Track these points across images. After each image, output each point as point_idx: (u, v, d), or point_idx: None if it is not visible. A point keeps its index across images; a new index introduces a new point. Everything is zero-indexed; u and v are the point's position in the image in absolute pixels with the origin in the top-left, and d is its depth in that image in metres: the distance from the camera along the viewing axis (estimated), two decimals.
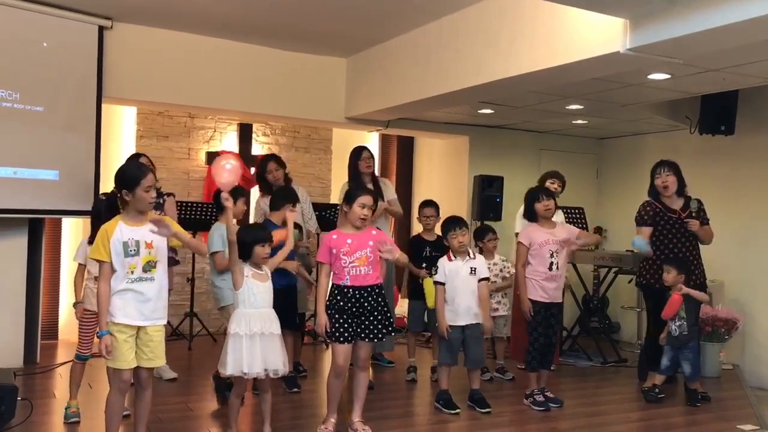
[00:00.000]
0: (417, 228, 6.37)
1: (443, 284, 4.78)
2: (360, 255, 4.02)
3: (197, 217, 6.68)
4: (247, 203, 5.16)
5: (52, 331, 6.73)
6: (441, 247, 5.44)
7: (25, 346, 5.75)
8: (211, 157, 7.60)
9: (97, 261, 3.39)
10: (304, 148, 8.18)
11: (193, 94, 6.48)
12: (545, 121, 7.42)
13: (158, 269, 3.46)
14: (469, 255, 4.86)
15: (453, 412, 4.70)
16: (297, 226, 5.51)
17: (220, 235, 4.66)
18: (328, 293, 4.10)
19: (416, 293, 5.74)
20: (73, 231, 6.84)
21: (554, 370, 5.63)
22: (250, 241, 3.89)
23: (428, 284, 5.00)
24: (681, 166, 5.43)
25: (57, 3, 5.62)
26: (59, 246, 6.72)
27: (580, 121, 7.36)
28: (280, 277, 4.23)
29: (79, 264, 4.32)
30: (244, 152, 7.74)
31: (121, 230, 3.39)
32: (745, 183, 6.69)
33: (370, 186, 5.63)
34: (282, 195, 4.97)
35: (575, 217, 7.19)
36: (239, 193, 4.82)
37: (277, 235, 4.17)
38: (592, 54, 4.33)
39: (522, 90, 5.58)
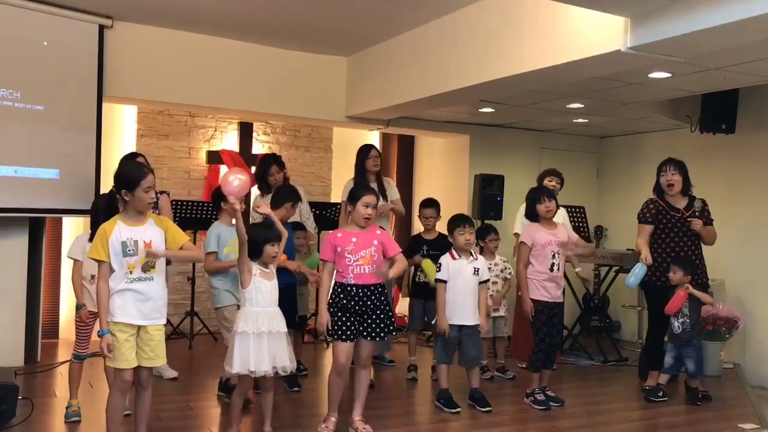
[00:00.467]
0: (417, 227, 6.37)
1: (445, 282, 4.77)
2: (364, 254, 4.02)
3: (197, 216, 6.69)
4: (246, 202, 5.15)
5: (52, 330, 6.73)
6: (440, 247, 5.45)
7: (25, 345, 5.76)
8: (212, 156, 7.60)
9: (96, 261, 3.39)
10: (305, 147, 8.18)
11: (193, 93, 6.48)
12: (546, 119, 7.42)
13: (157, 269, 3.46)
14: (472, 255, 4.86)
15: (453, 411, 4.70)
16: (300, 225, 5.53)
17: (217, 235, 4.66)
18: (330, 291, 4.10)
19: (417, 292, 5.75)
20: (73, 230, 6.83)
21: (555, 369, 5.63)
22: (261, 240, 3.89)
23: (426, 264, 5.07)
24: None
25: (57, 2, 5.62)
26: (60, 245, 6.72)
27: (580, 120, 7.35)
28: (280, 275, 4.21)
29: (75, 260, 4.25)
30: (245, 151, 7.74)
31: (119, 230, 3.39)
32: (745, 182, 6.68)
33: (374, 185, 5.66)
34: (284, 193, 4.97)
35: (576, 216, 7.20)
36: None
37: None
38: (592, 53, 4.32)
39: (523, 89, 5.57)
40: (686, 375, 5.29)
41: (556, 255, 4.90)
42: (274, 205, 4.80)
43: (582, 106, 6.52)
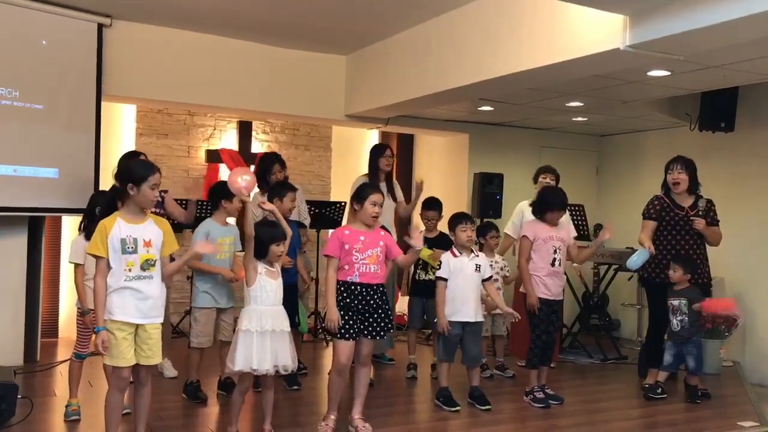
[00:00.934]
0: (418, 225, 6.37)
1: (445, 280, 4.77)
2: (371, 253, 4.02)
3: (197, 214, 6.64)
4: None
5: (52, 329, 6.73)
6: (441, 245, 5.45)
7: (25, 344, 5.76)
8: (211, 155, 7.60)
9: (94, 256, 3.39)
10: (304, 145, 8.18)
11: (192, 92, 6.48)
12: (545, 118, 7.42)
13: (157, 268, 3.46)
14: (473, 252, 4.86)
15: (453, 409, 4.70)
16: (302, 224, 5.53)
17: (206, 233, 4.62)
18: None
19: (416, 290, 5.76)
20: (73, 229, 6.82)
21: (554, 367, 5.64)
22: (266, 239, 3.89)
23: (424, 251, 5.18)
24: None
25: (57, 1, 5.62)
26: (59, 244, 6.72)
27: (580, 119, 7.35)
28: (283, 275, 4.19)
29: (76, 264, 4.26)
30: (244, 150, 7.74)
31: (119, 226, 3.39)
32: (745, 180, 6.68)
33: (384, 184, 5.78)
34: (279, 186, 4.97)
35: (576, 214, 7.20)
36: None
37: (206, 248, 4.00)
38: (591, 51, 4.32)
39: (522, 87, 5.57)
40: (686, 373, 5.29)
41: (558, 250, 4.91)
42: (271, 199, 4.79)
43: (581, 104, 6.52)
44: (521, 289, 5.12)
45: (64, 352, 6.08)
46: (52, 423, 4.25)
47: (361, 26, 6.09)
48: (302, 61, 6.88)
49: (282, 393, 4.92)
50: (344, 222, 6.41)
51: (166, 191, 5.52)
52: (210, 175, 7.58)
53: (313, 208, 6.69)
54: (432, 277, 5.53)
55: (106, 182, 5.38)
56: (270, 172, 5.60)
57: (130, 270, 3.38)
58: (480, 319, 4.80)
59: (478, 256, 4.88)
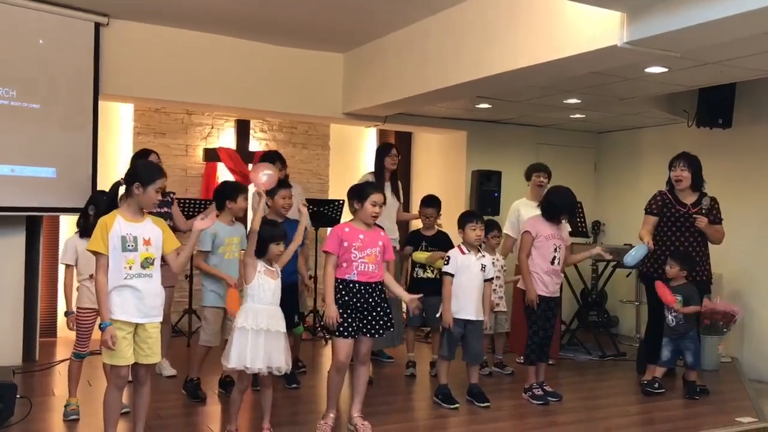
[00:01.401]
0: (415, 223, 6.37)
1: (452, 275, 4.77)
2: (370, 252, 4.02)
3: (196, 213, 6.66)
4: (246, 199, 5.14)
5: (50, 328, 6.73)
6: (438, 243, 5.46)
7: (23, 344, 5.75)
8: (209, 153, 7.60)
9: (95, 253, 3.38)
10: (302, 144, 8.17)
11: (189, 91, 6.47)
12: (543, 115, 7.42)
13: (156, 266, 3.46)
14: (480, 251, 4.87)
15: (452, 406, 4.71)
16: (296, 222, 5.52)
17: (213, 234, 4.63)
18: None
19: (415, 288, 5.75)
20: (71, 229, 6.78)
21: (553, 364, 5.64)
22: (266, 238, 3.89)
23: (417, 256, 5.38)
24: None
25: (54, 0, 5.61)
26: (57, 243, 6.71)
27: (577, 116, 7.36)
28: (282, 274, 4.19)
29: (67, 265, 4.26)
30: (242, 149, 7.73)
31: (119, 224, 3.39)
32: (743, 176, 6.69)
33: (389, 183, 5.88)
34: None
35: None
36: (239, 189, 4.81)
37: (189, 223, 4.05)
38: (589, 48, 4.32)
39: (519, 84, 5.57)
40: (684, 368, 5.30)
41: (558, 249, 4.92)
42: (269, 195, 4.80)
43: (579, 101, 6.52)
44: (519, 285, 5.13)
45: (62, 351, 6.08)
46: (51, 422, 4.25)
47: (359, 24, 6.09)
48: (300, 59, 6.87)
49: (281, 391, 4.93)
50: (343, 220, 6.41)
51: (173, 193, 5.54)
52: (208, 174, 7.58)
53: (311, 207, 6.70)
54: (430, 275, 5.54)
55: (105, 181, 5.39)
56: None
57: (130, 268, 3.37)
58: (482, 317, 4.81)
59: (484, 256, 4.89)
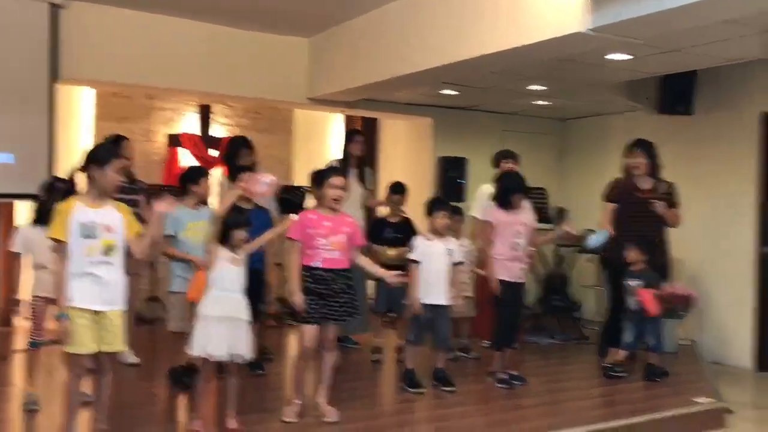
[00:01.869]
0: (381, 210, 6.37)
1: (418, 263, 4.78)
2: (335, 240, 4.00)
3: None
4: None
5: (7, 318, 6.56)
6: (403, 230, 5.45)
7: None
8: (172, 139, 7.48)
9: (55, 241, 3.31)
10: (266, 129, 8.09)
11: (151, 75, 6.34)
12: (509, 101, 7.45)
13: (118, 254, 3.39)
14: (445, 236, 4.88)
15: (418, 391, 4.73)
16: (264, 209, 5.46)
17: (174, 217, 4.56)
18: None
19: None
20: (27, 215, 6.67)
21: (518, 348, 5.70)
22: (230, 224, 3.84)
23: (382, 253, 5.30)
24: None
25: None
26: (13, 230, 6.54)
27: (542, 102, 7.40)
28: (248, 261, 4.14)
29: (16, 253, 4.15)
30: (205, 134, 7.63)
31: (79, 211, 3.31)
32: (703, 162, 6.81)
33: (355, 169, 5.85)
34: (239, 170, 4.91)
35: (538, 197, 7.26)
36: (202, 173, 4.75)
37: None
38: (554, 34, 4.34)
39: (485, 71, 5.58)
40: (646, 351, 5.40)
41: (519, 234, 4.94)
42: (232, 180, 4.74)
43: (544, 88, 6.56)
44: (481, 272, 5.16)
45: (21, 341, 5.95)
46: (11, 413, 4.16)
47: (324, 8, 6.02)
48: (264, 43, 6.78)
49: (247, 379, 4.87)
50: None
51: (143, 182, 5.44)
52: (170, 159, 7.47)
53: (275, 193, 6.63)
54: (395, 261, 5.53)
55: (63, 167, 5.27)
56: (238, 156, 5.51)
57: (90, 255, 3.30)
58: (450, 302, 4.83)
59: (450, 240, 4.90)
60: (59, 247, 3.30)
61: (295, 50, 6.93)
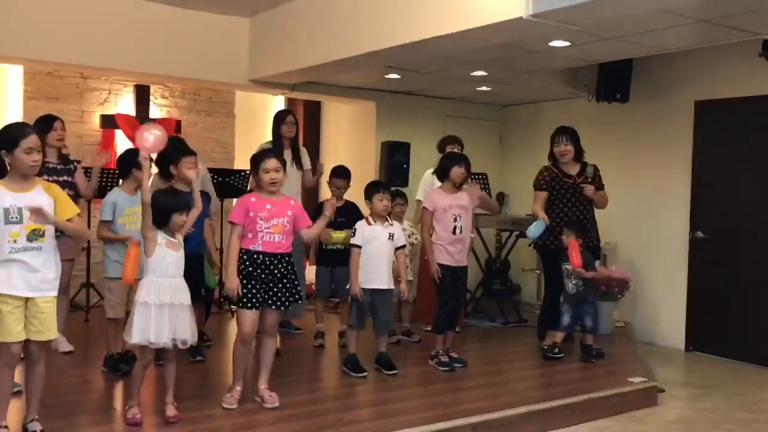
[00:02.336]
0: (324, 193, 6.32)
1: (359, 247, 4.76)
2: (277, 222, 3.95)
3: (104, 183, 6.28)
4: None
5: None
6: (347, 214, 5.43)
7: None
8: (106, 120, 7.24)
9: None
10: (206, 111, 7.92)
11: (84, 53, 6.08)
12: (451, 87, 7.48)
13: (47, 238, 3.27)
14: (387, 220, 4.87)
15: (360, 375, 4.74)
16: (204, 194, 5.35)
17: (113, 203, 4.47)
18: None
19: (323, 259, 5.73)
20: None
21: (459, 331, 5.77)
22: (169, 208, 3.73)
23: (335, 235, 5.26)
24: (580, 132, 5.66)
25: None
26: None
27: (484, 88, 7.46)
28: (186, 244, 4.05)
29: None
30: (141, 115, 7.40)
31: (2, 196, 3.17)
32: (639, 148, 7.01)
33: (288, 151, 5.70)
34: (177, 147, 4.77)
35: (479, 183, 7.33)
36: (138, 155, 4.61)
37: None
38: (495, 19, 4.36)
39: (428, 55, 5.56)
40: (582, 333, 5.53)
41: (458, 218, 4.98)
42: (172, 162, 4.63)
43: (486, 73, 6.60)
44: (426, 257, 5.19)
45: None
46: None
47: None
48: (203, 22, 6.59)
49: (186, 365, 4.80)
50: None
51: (78, 161, 5.25)
52: (105, 141, 7.23)
53: (216, 177, 6.51)
54: (339, 246, 5.52)
55: None
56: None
57: (15, 241, 3.17)
58: (391, 286, 4.84)
59: (392, 224, 4.90)
60: None
61: (235, 30, 6.77)
